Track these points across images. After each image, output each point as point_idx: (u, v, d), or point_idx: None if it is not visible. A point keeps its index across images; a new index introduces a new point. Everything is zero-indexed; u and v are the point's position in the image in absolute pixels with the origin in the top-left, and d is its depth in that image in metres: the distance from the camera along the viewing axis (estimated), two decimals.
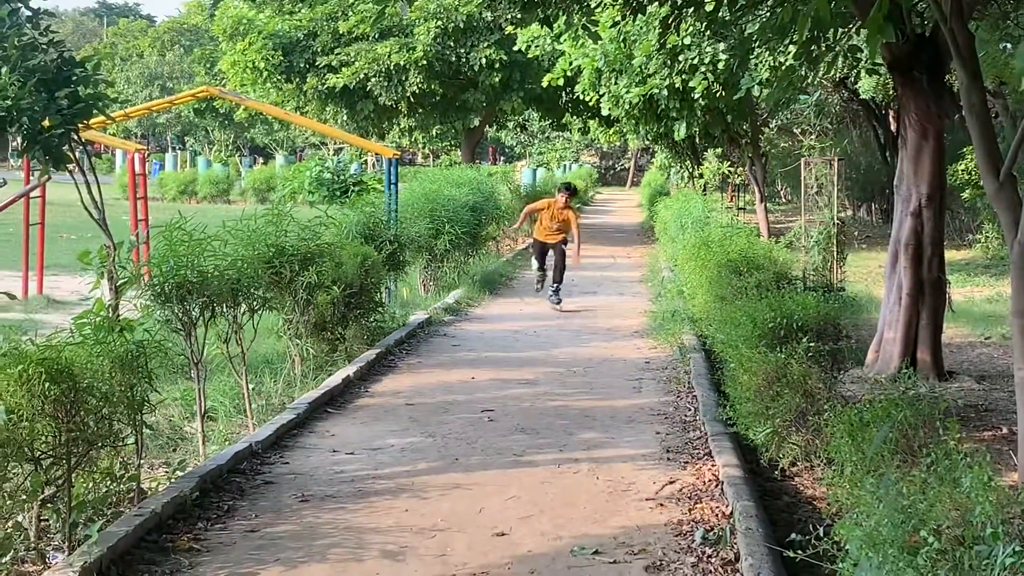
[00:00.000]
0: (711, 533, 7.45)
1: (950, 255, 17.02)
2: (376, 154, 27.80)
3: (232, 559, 7.06)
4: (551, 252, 20.66)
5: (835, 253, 18.44)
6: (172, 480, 8.51)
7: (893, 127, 13.56)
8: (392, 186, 19.68)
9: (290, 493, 8.42)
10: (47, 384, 6.85)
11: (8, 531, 6.97)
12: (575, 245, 21.02)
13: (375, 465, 9.20)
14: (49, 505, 7.18)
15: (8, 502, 6.96)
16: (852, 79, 16.21)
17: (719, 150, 30.13)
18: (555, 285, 20.30)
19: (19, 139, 10.30)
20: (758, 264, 14.46)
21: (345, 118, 34.99)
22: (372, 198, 20.60)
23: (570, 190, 21.15)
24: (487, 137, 51.53)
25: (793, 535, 6.78)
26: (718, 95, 20.98)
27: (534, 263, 21.55)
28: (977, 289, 19.88)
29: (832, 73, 17.07)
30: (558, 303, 20.24)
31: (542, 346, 15.00)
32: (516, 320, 17.60)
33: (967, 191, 23.97)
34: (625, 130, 29.21)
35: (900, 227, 12.35)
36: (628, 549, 7.31)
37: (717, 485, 8.52)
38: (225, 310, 10.25)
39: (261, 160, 70.40)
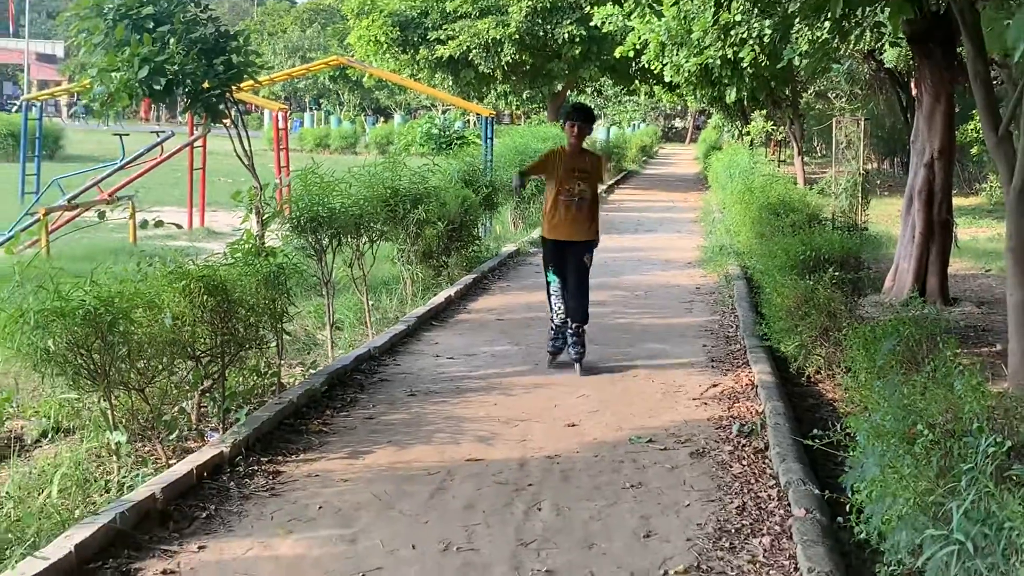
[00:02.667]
0: (746, 427, 7.48)
1: (958, 201, 16.75)
2: (476, 114, 27.75)
3: (353, 440, 7.20)
4: (569, 261, 9.62)
5: (860, 199, 18.25)
6: (306, 376, 8.66)
7: (913, 92, 13.29)
8: (488, 140, 19.68)
9: (401, 389, 8.55)
10: (206, 296, 6.98)
11: (175, 415, 7.14)
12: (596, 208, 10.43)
13: (471, 368, 9.30)
14: (207, 395, 7.33)
15: (174, 391, 7.13)
16: (878, 51, 15.89)
17: (764, 111, 29.70)
18: (575, 327, 9.52)
19: (184, 99, 10.44)
20: (794, 207, 14.36)
21: (450, 83, 34.91)
22: (472, 150, 20.54)
23: (584, 116, 9.84)
24: (568, 100, 51.21)
25: (814, 430, 6.81)
26: (763, 64, 20.57)
27: (551, 282, 9.70)
28: (980, 230, 19.55)
29: (861, 45, 16.72)
30: (579, 358, 9.46)
31: (610, 274, 14.97)
32: None
33: (975, 147, 23.59)
34: (684, 94, 28.74)
35: (915, 176, 12.28)
36: (677, 439, 7.36)
37: (752, 388, 8.53)
38: (349, 240, 10.34)
39: (382, 119, 70.48)
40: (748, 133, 31.79)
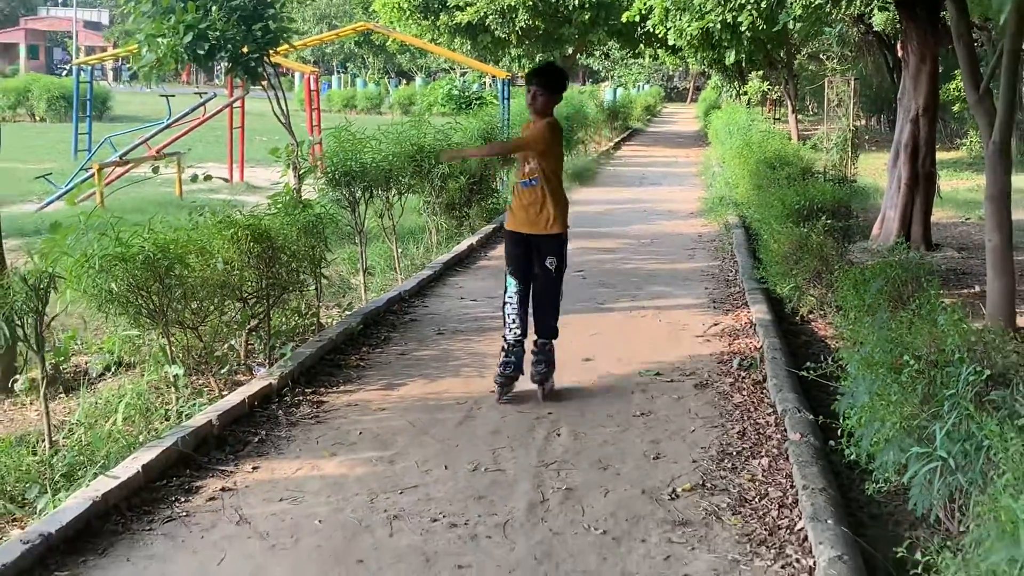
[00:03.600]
0: (745, 361, 7.57)
1: (940, 155, 16.70)
2: (492, 76, 27.68)
3: (388, 373, 7.31)
4: (534, 262, 6.96)
5: (849, 153, 18.24)
6: (343, 317, 8.76)
7: (899, 53, 13.28)
8: (505, 100, 19.69)
9: (430, 328, 8.65)
10: (252, 243, 7.07)
11: (225, 351, 7.27)
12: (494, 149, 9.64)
13: (493, 309, 9.36)
14: (253, 333, 7.45)
15: (225, 330, 7.25)
16: (867, 15, 15.85)
17: (760, 72, 29.65)
18: (540, 343, 6.97)
19: (225, 62, 10.49)
20: (788, 161, 14.37)
21: (468, 47, 34.64)
22: (490, 110, 20.52)
23: (543, 79, 6.86)
24: (578, 63, 50.89)
25: (808, 363, 6.91)
26: (760, 28, 20.49)
27: (508, 287, 7.01)
28: (961, 182, 19.50)
29: (851, 10, 16.72)
30: (543, 378, 6.90)
31: (619, 224, 15.02)
32: (600, 204, 17.51)
33: (957, 105, 23.46)
34: (686, 57, 28.65)
35: (901, 132, 12.31)
36: (682, 372, 7.46)
37: (751, 326, 8.60)
38: (380, 193, 10.40)
39: (405, 81, 70.09)
40: (746, 93, 31.71)
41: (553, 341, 6.87)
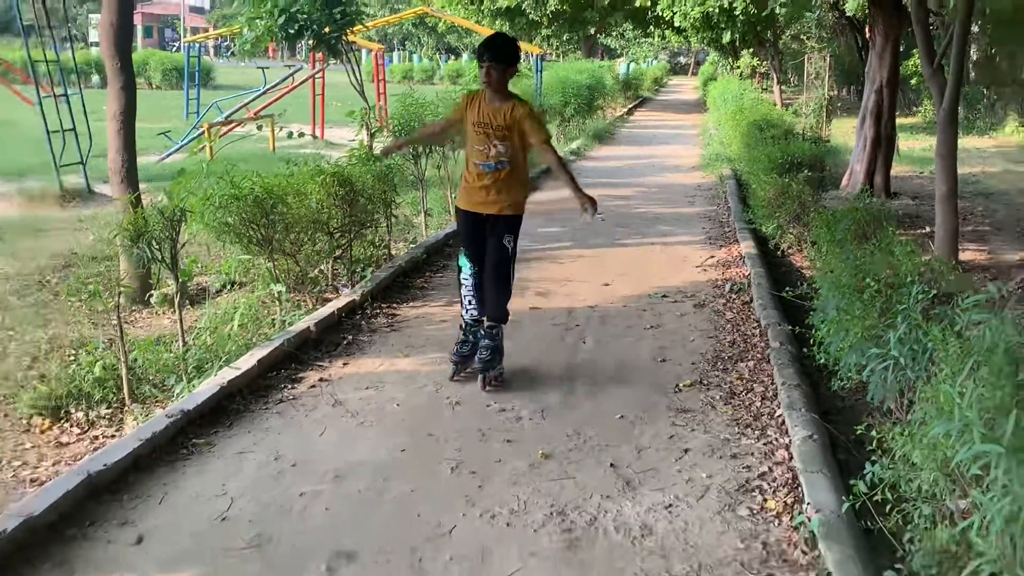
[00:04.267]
0: (736, 286, 7.65)
1: (900, 120, 16.49)
2: (528, 52, 27.46)
3: (447, 293, 7.44)
4: (488, 242, 5.47)
5: (824, 118, 18.04)
6: (409, 248, 8.91)
7: (868, 35, 13.15)
8: (537, 72, 19.60)
9: None
10: (337, 188, 7.21)
11: (316, 274, 7.43)
12: (564, 178, 5.58)
13: (530, 242, 9.46)
14: (338, 260, 7.59)
15: (316, 257, 7.39)
16: (841, 2, 15.65)
17: (751, 50, 29.24)
18: (488, 326, 5.47)
19: (309, 40, 10.56)
20: (773, 123, 14.34)
21: (507, 27, 34.38)
22: (525, 81, 20.43)
23: (494, 52, 5.25)
24: (598, 41, 50.27)
25: (787, 287, 7.02)
26: (752, 12, 20.26)
27: (462, 268, 5.60)
28: (916, 143, 19.25)
29: None
30: (485, 367, 5.43)
31: (633, 175, 15.03)
32: (615, 160, 17.48)
33: (914, 79, 23.20)
34: (689, 36, 28.27)
35: (867, 100, 12.23)
36: (684, 294, 7.57)
37: (740, 259, 8.67)
38: (438, 148, 10.50)
39: (453, 56, 69.48)
40: (738, 67, 31.30)
41: (503, 326, 5.45)
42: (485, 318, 5.45)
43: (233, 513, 3.91)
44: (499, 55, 5.23)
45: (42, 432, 4.97)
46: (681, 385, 5.48)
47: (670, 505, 4.02)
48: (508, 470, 4.35)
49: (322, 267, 7.51)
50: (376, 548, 3.66)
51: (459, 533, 3.78)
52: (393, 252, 8.61)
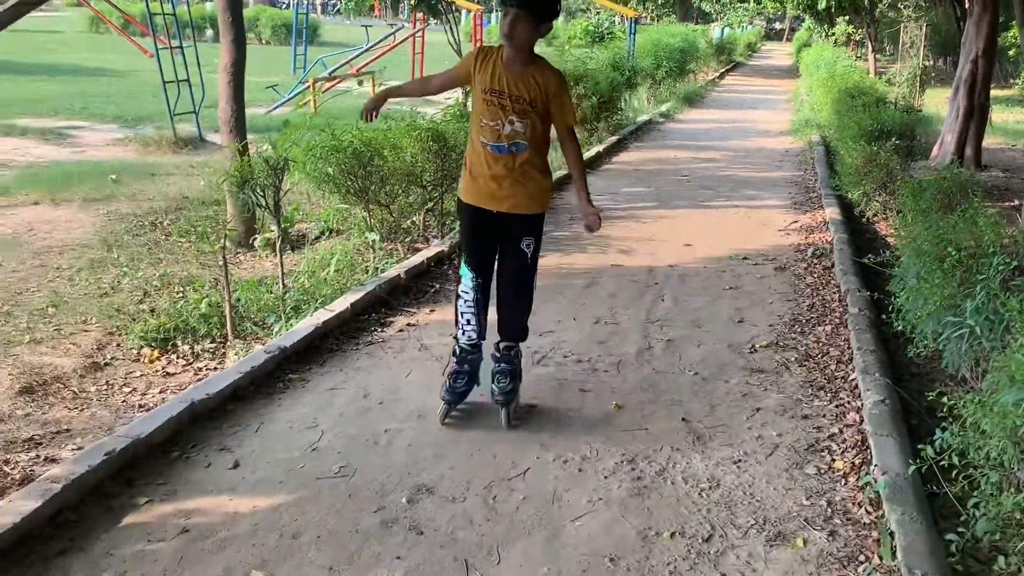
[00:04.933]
0: (818, 250, 7.51)
1: (994, 91, 15.87)
2: (622, 15, 27.03)
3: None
4: (504, 246, 4.14)
5: (917, 87, 17.43)
6: None
7: (966, 4, 12.62)
8: (631, 35, 19.24)
9: (564, 215, 8.72)
10: (431, 142, 7.24)
11: (409, 225, 7.52)
12: (579, 179, 4.21)
13: (615, 202, 9.46)
14: (430, 212, 7.66)
15: (409, 208, 7.49)
16: None
17: (847, 17, 28.30)
18: (503, 347, 4.28)
19: (411, 1, 10.60)
20: (865, 91, 13.92)
21: None
22: (618, 43, 20.12)
23: (535, 2, 3.74)
24: (693, 5, 49.23)
25: (869, 254, 6.86)
26: None
27: (463, 278, 4.19)
28: (1011, 115, 18.47)
29: None
30: (506, 399, 4.22)
31: (719, 138, 14.77)
32: (704, 123, 17.16)
33: (1012, 50, 22.19)
34: (784, 2, 27.55)
35: (962, 70, 11.77)
36: (765, 257, 7.46)
37: (824, 224, 8.49)
38: None
39: None
40: (833, 34, 30.32)
41: (521, 346, 4.34)
42: (500, 337, 4.28)
43: (323, 444, 4.04)
44: (532, 3, 3.78)
45: (151, 362, 5.17)
46: (757, 345, 5.42)
47: (738, 460, 4.00)
48: (582, 418, 4.39)
49: (414, 218, 7.59)
50: (453, 484, 3.74)
51: (532, 475, 3.84)
52: None
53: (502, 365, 4.27)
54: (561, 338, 5.46)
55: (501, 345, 4.30)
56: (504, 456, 3.99)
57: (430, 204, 7.57)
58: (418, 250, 7.02)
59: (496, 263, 4.22)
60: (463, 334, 4.26)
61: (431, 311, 5.83)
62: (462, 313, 4.23)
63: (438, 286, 6.34)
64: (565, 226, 8.31)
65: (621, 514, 3.55)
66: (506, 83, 3.87)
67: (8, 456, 3.87)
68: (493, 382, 4.26)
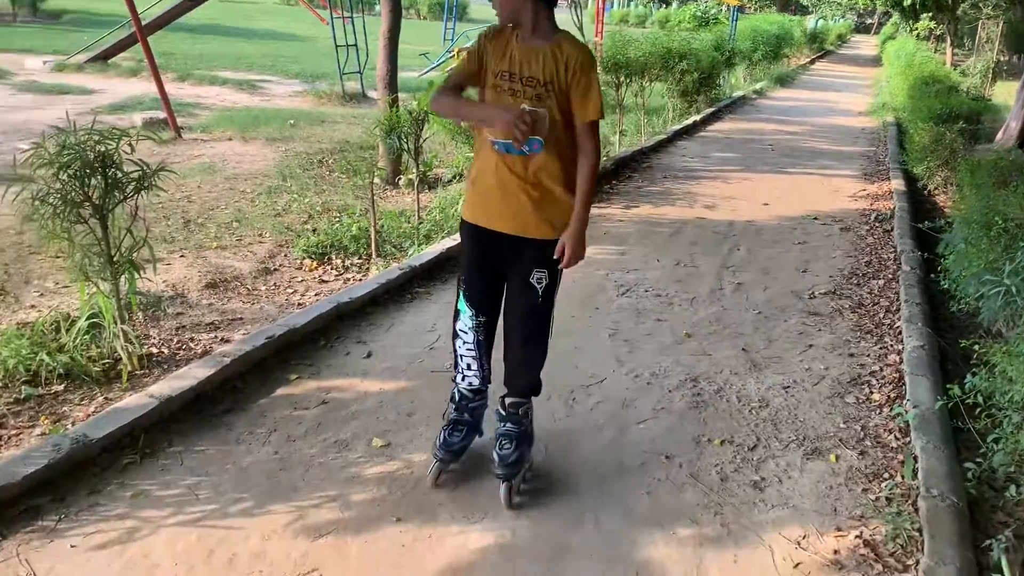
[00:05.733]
0: (880, 216, 7.17)
1: None
2: (727, 4, 25.99)
3: (626, 199, 7.37)
4: (509, 279, 2.78)
5: (989, 79, 16.25)
6: (602, 160, 8.80)
7: None
8: (733, 22, 18.51)
9: (659, 173, 8.60)
10: None
11: None
12: (584, 194, 2.63)
13: (704, 164, 9.21)
14: None
15: None
16: None
17: (930, 14, 26.46)
18: (509, 403, 2.92)
19: None
20: (939, 79, 13.08)
21: None
22: (721, 28, 19.35)
23: None
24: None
25: (925, 220, 6.51)
26: None
27: (461, 313, 2.88)
28: None
29: None
30: (508, 474, 2.81)
31: (804, 115, 14.12)
32: (792, 101, 16.39)
33: None
34: None
35: None
36: (833, 219, 7.16)
37: (889, 194, 8.06)
38: (636, 78, 10.23)
39: (664, 5, 66.67)
40: (916, 29, 28.44)
41: (532, 400, 3.02)
42: (507, 392, 2.97)
43: (438, 345, 4.13)
44: None
45: (310, 271, 5.35)
46: (816, 292, 5.24)
47: (788, 386, 3.91)
48: (655, 342, 4.35)
49: None
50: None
51: (608, 384, 3.84)
52: None
53: (507, 426, 2.93)
54: (644, 276, 5.39)
55: (506, 401, 2.96)
56: (585, 367, 4.00)
57: None
58: None
59: (504, 297, 2.87)
60: (462, 379, 2.99)
61: None
62: (461, 356, 2.95)
63: None
64: (658, 182, 8.16)
65: (680, 422, 3.53)
66: (518, 62, 2.59)
67: (193, 335, 4.10)
68: (495, 446, 2.90)
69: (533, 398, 3.01)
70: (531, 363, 2.91)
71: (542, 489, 2.99)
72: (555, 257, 2.70)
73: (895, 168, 9.04)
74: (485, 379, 3.01)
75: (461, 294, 2.91)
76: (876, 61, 32.12)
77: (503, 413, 2.98)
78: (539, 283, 2.78)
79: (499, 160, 2.67)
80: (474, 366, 2.96)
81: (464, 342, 2.95)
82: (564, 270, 2.79)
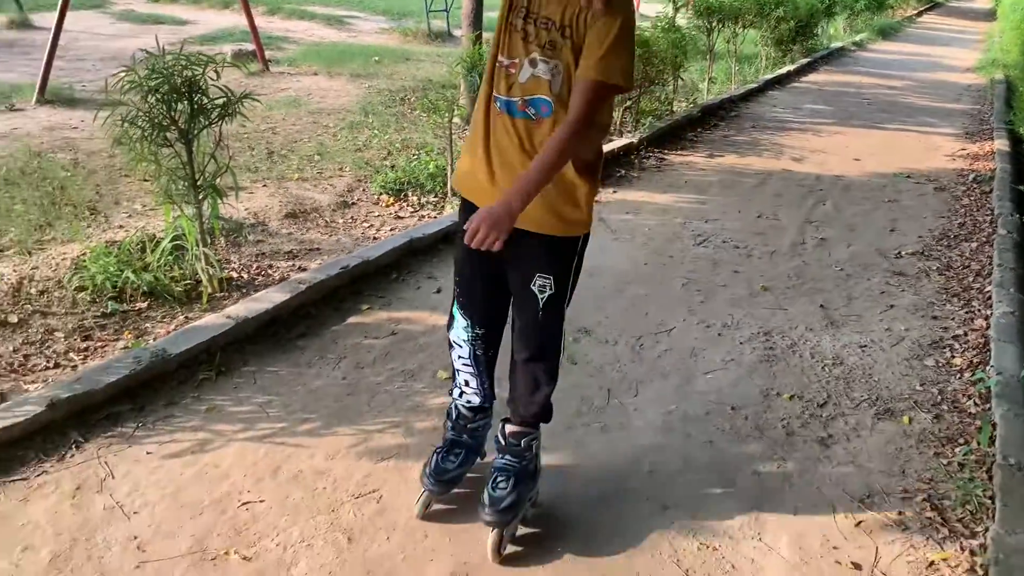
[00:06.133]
0: (979, 176, 6.81)
1: None
2: None
3: (711, 147, 7.19)
4: (510, 277, 2.17)
5: None
6: (687, 108, 8.57)
7: None
8: None
9: (747, 123, 8.34)
10: (638, 49, 7.02)
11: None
12: (545, 159, 1.87)
13: (795, 116, 8.89)
14: (628, 110, 7.45)
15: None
16: None
17: None
18: (515, 434, 2.33)
19: None
20: None
21: None
22: None
23: None
24: None
25: None
26: None
27: (454, 319, 2.33)
28: None
29: None
30: (499, 519, 2.24)
31: (906, 69, 13.40)
32: (893, 54, 15.53)
33: None
34: None
35: None
36: (927, 178, 6.83)
37: (991, 154, 7.62)
38: (729, 24, 9.86)
39: None
40: None
41: (538, 429, 2.43)
42: (510, 417, 2.41)
43: None
44: None
45: (386, 206, 5.40)
46: (903, 252, 5.03)
47: (864, 346, 3.79)
48: (729, 293, 4.27)
49: (613, 114, 7.41)
50: (608, 330, 3.76)
51: (677, 333, 3.80)
52: (674, 109, 8.34)
53: (504, 459, 2.38)
54: (724, 226, 5.27)
55: (507, 429, 2.39)
56: (655, 315, 3.95)
57: (628, 103, 7.37)
58: (611, 140, 6.89)
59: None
60: (460, 395, 2.47)
61: (613, 192, 5.77)
62: (457, 371, 2.44)
63: (622, 172, 6.23)
64: (745, 132, 7.92)
65: (749, 374, 3.47)
66: (536, 8, 1.99)
67: (272, 262, 4.21)
68: (488, 482, 2.35)
69: (543, 424, 2.41)
70: (534, 387, 2.31)
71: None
72: (474, 229, 1.85)
73: (1000, 128, 8.54)
74: (487, 396, 2.47)
75: (456, 300, 2.35)
76: (990, 15, 30.19)
77: (502, 442, 2.40)
78: (541, 291, 2.17)
79: (499, 121, 2.06)
80: (473, 383, 2.43)
81: (459, 356, 2.40)
82: (579, 268, 2.22)
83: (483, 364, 2.40)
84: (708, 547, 2.44)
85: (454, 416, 2.50)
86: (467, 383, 2.43)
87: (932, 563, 2.41)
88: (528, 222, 2.02)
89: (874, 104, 10.02)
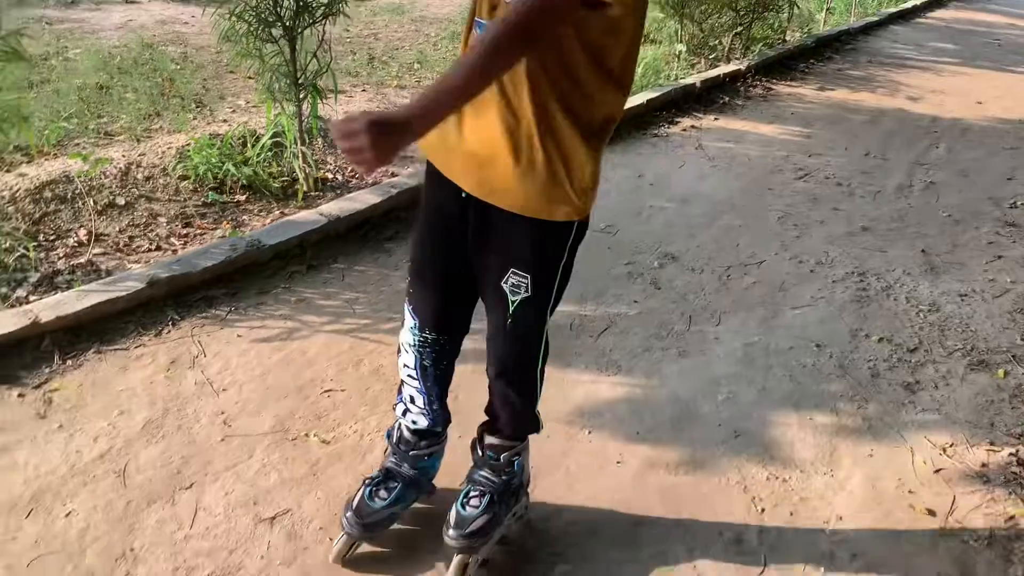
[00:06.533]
0: None
1: None
2: None
3: (822, 80, 6.80)
4: (485, 276, 1.66)
5: None
6: (802, 38, 8.08)
7: None
8: None
9: (863, 57, 7.86)
10: None
11: (715, 43, 7.06)
12: (485, 35, 1.31)
13: (916, 53, 8.32)
14: (738, 36, 7.10)
15: (719, 28, 6.96)
16: None
17: None
18: (493, 444, 1.88)
19: None
20: None
21: None
22: None
23: None
24: None
25: None
26: None
27: (407, 325, 1.83)
28: None
29: None
30: (467, 546, 1.81)
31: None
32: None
33: None
34: None
35: None
36: None
37: None
38: None
39: None
40: None
41: (522, 446, 1.96)
42: (485, 432, 1.98)
43: (599, 205, 4.07)
44: None
45: None
46: (1019, 203, 4.72)
47: (964, 295, 3.62)
48: (826, 231, 4.12)
49: (722, 39, 7.13)
50: (696, 258, 3.69)
51: (767, 266, 3.70)
52: (787, 38, 7.94)
53: (480, 473, 1.96)
54: (828, 161, 5.05)
55: (486, 440, 1.97)
56: (746, 246, 3.86)
57: (739, 28, 7.05)
58: (717, 65, 6.63)
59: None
60: (404, 413, 1.99)
61: (715, 119, 5.57)
62: (403, 382, 1.97)
63: (727, 99, 6.00)
64: (861, 66, 7.49)
65: (839, 313, 3.36)
66: None
67: None
68: (459, 498, 1.94)
69: (533, 435, 1.96)
70: (513, 403, 1.87)
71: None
72: (345, 130, 1.26)
73: None
74: (437, 419, 1.97)
75: (408, 295, 1.89)
76: None
77: (479, 453, 1.96)
78: (513, 292, 1.69)
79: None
80: (419, 400, 1.94)
81: (404, 364, 1.92)
82: (568, 268, 1.77)
83: (432, 379, 1.91)
84: (778, 478, 2.42)
85: (394, 439, 2.01)
86: (412, 399, 1.94)
87: (1012, 517, 2.33)
88: (503, 197, 1.56)
89: (1006, 46, 9.30)
